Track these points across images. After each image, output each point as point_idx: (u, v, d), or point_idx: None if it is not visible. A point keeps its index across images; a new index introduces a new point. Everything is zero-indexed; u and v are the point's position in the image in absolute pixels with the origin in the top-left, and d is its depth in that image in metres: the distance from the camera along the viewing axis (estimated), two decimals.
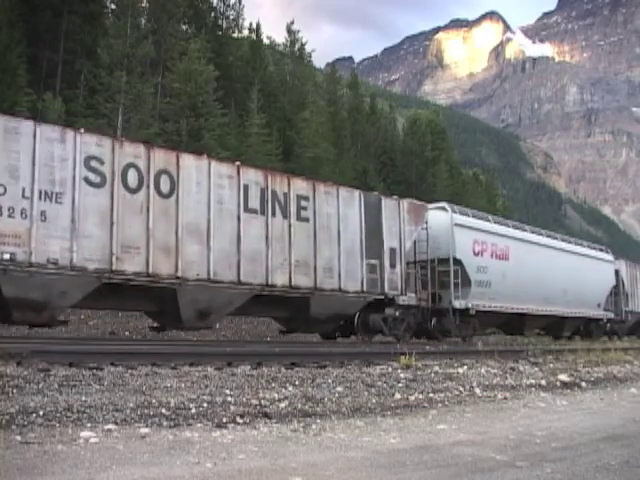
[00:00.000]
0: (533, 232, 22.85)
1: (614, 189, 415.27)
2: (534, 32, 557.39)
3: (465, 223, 18.65)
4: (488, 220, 20.60)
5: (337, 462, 3.71)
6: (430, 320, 17.33)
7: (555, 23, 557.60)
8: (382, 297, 15.41)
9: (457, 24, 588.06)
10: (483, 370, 8.90)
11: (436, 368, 8.52)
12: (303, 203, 14.07)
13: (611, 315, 26.52)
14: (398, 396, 6.38)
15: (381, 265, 15.47)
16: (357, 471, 3.55)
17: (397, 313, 15.89)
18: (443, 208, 18.76)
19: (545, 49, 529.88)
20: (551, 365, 10.45)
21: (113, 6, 43.29)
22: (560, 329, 23.97)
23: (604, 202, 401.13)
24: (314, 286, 13.94)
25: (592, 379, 9.28)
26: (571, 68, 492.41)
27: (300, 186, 14.22)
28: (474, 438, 4.70)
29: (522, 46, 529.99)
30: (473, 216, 19.79)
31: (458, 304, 17.60)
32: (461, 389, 7.22)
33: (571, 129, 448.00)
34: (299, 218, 13.91)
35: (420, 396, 6.51)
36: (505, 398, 7.01)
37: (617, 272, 27.37)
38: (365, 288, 15.05)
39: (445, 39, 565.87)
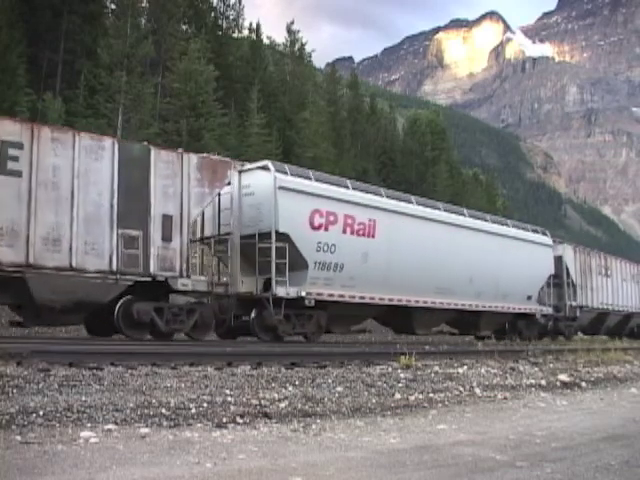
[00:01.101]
0: (421, 204, 17.72)
1: (614, 189, 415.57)
2: (534, 32, 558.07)
3: (297, 187, 14.15)
4: (345, 186, 15.56)
5: (337, 462, 3.71)
6: (248, 313, 13.72)
7: (555, 23, 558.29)
8: (148, 279, 11.88)
9: (457, 24, 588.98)
10: (483, 370, 8.90)
11: (436, 368, 8.52)
12: (12, 152, 10.60)
13: (549, 310, 21.86)
14: (398, 396, 6.38)
15: (146, 237, 11.86)
16: (357, 471, 3.55)
17: (189, 302, 12.49)
18: (265, 167, 14.24)
19: (545, 49, 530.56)
20: (551, 365, 10.46)
21: (113, 6, 43.46)
22: (475, 327, 19.69)
23: (604, 202, 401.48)
24: (26, 262, 10.51)
25: (592, 379, 9.29)
26: (571, 68, 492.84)
27: (9, 129, 10.63)
28: (474, 438, 4.70)
29: (522, 46, 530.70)
30: (316, 179, 14.93)
31: (284, 292, 13.45)
32: (461, 389, 7.22)
33: (571, 129, 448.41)
34: (4, 172, 10.53)
35: (420, 396, 6.50)
36: (505, 398, 7.01)
37: (560, 259, 22.91)
38: (117, 267, 11.43)
39: (445, 39, 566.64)
